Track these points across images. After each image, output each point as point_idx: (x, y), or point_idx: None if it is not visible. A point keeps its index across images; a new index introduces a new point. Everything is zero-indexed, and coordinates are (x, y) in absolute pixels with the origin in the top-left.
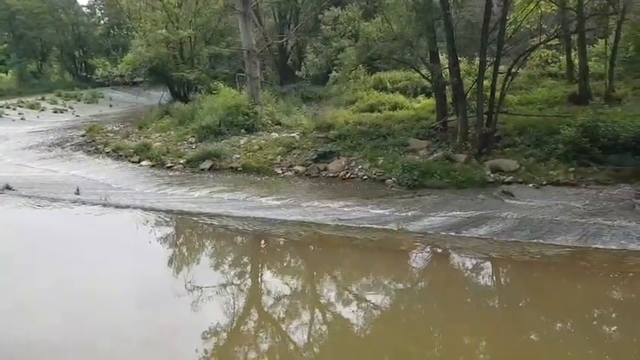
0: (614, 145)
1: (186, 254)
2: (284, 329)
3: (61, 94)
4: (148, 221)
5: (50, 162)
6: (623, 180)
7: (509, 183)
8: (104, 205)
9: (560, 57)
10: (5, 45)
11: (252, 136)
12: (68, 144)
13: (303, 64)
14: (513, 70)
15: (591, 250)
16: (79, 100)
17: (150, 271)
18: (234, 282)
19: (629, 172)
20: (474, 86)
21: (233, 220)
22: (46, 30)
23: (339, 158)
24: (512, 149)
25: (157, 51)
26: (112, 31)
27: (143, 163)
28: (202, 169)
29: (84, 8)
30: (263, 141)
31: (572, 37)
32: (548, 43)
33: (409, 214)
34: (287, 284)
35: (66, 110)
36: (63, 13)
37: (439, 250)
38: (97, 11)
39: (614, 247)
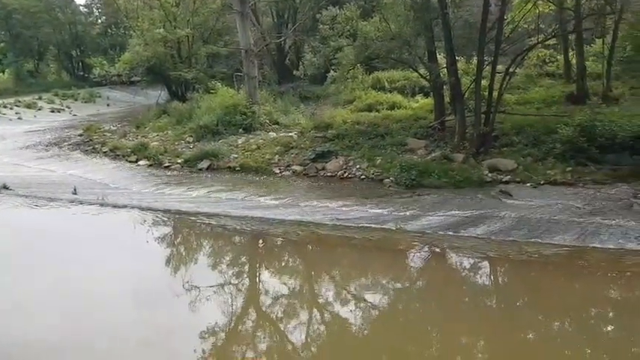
0: (612, 145)
1: (183, 254)
2: (282, 329)
3: (58, 94)
4: (145, 221)
5: (47, 161)
6: (621, 179)
7: (506, 182)
8: (101, 205)
9: (558, 57)
10: (2, 44)
11: (250, 136)
12: (65, 143)
13: (301, 63)
14: (511, 70)
15: (589, 249)
16: (76, 100)
17: (147, 271)
18: (232, 282)
19: (626, 172)
20: (471, 86)
21: (231, 219)
22: (43, 29)
23: (337, 158)
24: (510, 149)
25: (154, 50)
26: (109, 31)
27: (140, 162)
28: (200, 169)
29: (81, 7)
30: (261, 140)
31: (569, 37)
32: (546, 42)
33: (407, 213)
34: (285, 284)
35: (63, 110)
36: (60, 12)
37: (437, 250)
38: (95, 10)
39: (611, 247)
